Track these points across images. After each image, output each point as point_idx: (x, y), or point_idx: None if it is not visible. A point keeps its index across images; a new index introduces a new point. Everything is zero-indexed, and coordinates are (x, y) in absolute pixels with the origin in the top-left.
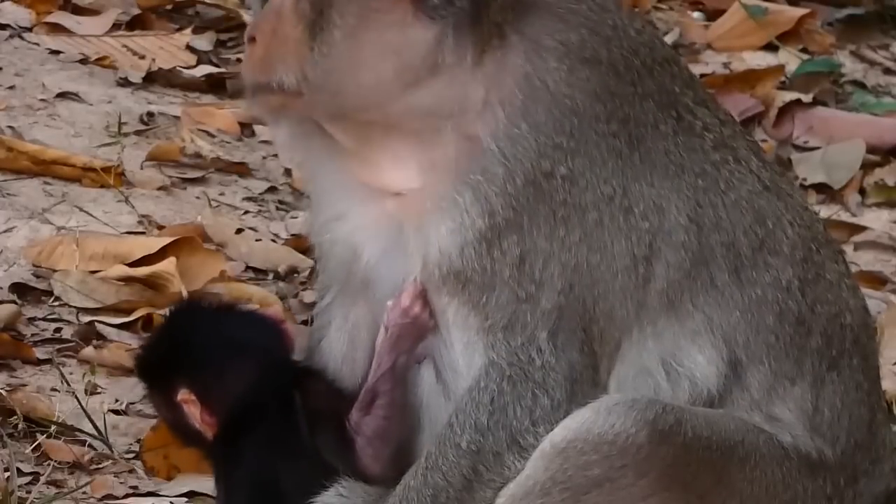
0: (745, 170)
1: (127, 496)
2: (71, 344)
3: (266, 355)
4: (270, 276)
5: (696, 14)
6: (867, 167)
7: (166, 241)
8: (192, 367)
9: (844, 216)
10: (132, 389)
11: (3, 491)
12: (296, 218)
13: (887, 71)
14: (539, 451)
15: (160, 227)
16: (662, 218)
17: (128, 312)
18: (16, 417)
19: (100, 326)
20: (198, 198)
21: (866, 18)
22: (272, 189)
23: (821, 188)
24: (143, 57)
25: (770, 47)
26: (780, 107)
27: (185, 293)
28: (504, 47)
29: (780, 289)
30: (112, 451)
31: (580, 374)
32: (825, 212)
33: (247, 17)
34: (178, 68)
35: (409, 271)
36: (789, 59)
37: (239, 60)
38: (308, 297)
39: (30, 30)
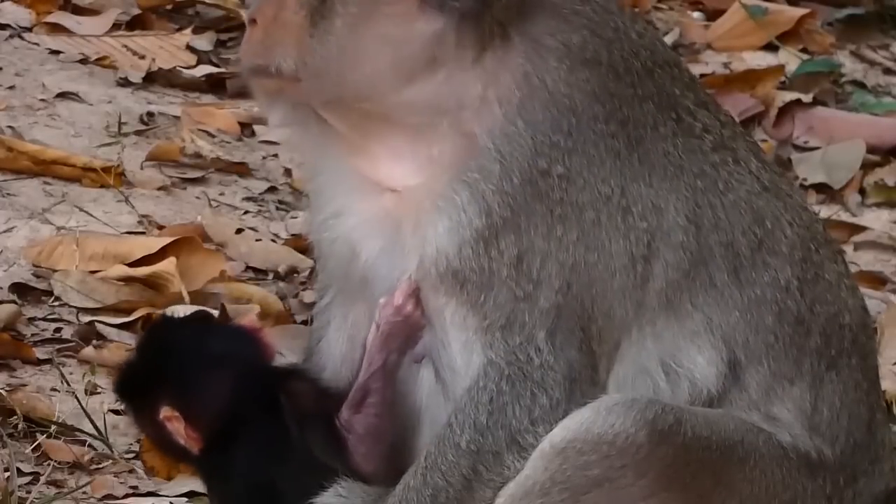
0: (744, 171)
1: (127, 496)
2: (71, 344)
3: (242, 365)
4: (270, 276)
5: (696, 14)
6: (867, 167)
7: (166, 241)
8: (170, 385)
9: (844, 216)
10: None
11: (3, 491)
12: (296, 218)
13: (887, 71)
14: (538, 451)
15: (160, 227)
16: (661, 218)
17: (128, 312)
18: (16, 417)
19: (100, 326)
20: (198, 198)
21: (866, 18)
22: (272, 189)
23: (821, 188)
24: (143, 57)
25: (770, 47)
26: (780, 107)
27: (185, 293)
28: (505, 45)
29: (779, 289)
30: (112, 451)
31: (579, 373)
32: (825, 212)
33: (247, 17)
34: (178, 68)
35: (404, 269)
36: (789, 59)
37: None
38: (308, 297)
39: (30, 30)
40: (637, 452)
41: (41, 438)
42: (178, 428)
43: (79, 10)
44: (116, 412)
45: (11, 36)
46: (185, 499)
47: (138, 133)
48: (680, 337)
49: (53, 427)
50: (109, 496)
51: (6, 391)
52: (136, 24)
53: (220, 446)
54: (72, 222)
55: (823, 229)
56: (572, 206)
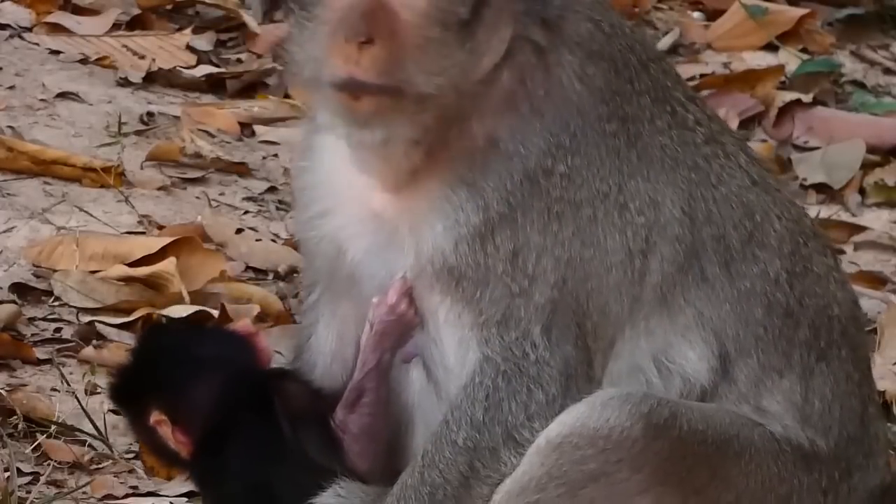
0: (734, 164)
1: (127, 496)
2: (71, 344)
3: (229, 369)
4: (270, 276)
5: (696, 14)
6: (867, 167)
7: (166, 241)
8: (160, 390)
9: (844, 216)
10: None
11: (3, 491)
12: None
13: (887, 71)
14: (534, 447)
15: (160, 227)
16: (658, 212)
17: (128, 312)
18: (16, 417)
19: (100, 326)
20: (198, 198)
21: (866, 18)
22: (272, 189)
23: (821, 188)
24: (143, 57)
25: (770, 47)
26: (780, 107)
27: (185, 293)
28: (531, 42)
29: (769, 281)
30: (112, 451)
31: (575, 368)
32: (825, 212)
33: (247, 17)
34: (178, 68)
35: (395, 268)
36: (789, 59)
37: (239, 60)
38: None
39: (30, 30)
40: (633, 447)
41: (41, 438)
42: (168, 432)
43: (79, 10)
44: (116, 412)
45: (11, 36)
46: (185, 499)
47: (138, 133)
48: (671, 333)
49: (53, 427)
50: (109, 496)
51: (6, 391)
52: (136, 24)
53: (213, 450)
54: (72, 222)
55: (812, 223)
56: (570, 203)
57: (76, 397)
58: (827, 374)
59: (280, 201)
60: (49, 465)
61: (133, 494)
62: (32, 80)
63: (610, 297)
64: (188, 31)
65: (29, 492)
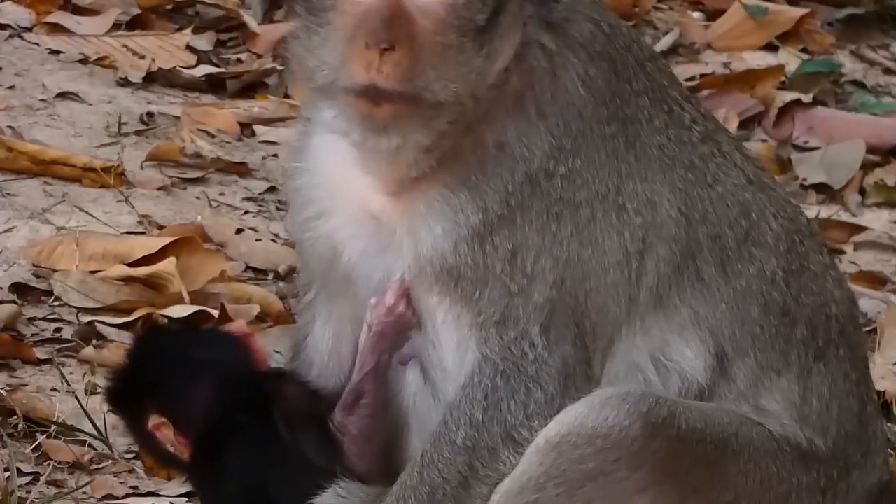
0: (729, 163)
1: (127, 496)
2: (71, 344)
3: (225, 371)
4: (270, 276)
5: (696, 14)
6: (867, 167)
7: (166, 241)
8: (157, 393)
9: (844, 216)
10: None
11: (3, 491)
12: None
13: (887, 71)
14: (533, 446)
15: (160, 227)
16: (655, 212)
17: (128, 312)
18: (16, 417)
19: (100, 326)
20: (198, 198)
21: (866, 18)
22: (272, 189)
23: (821, 188)
24: (143, 57)
25: (770, 47)
26: (780, 107)
27: (185, 293)
28: (538, 45)
29: (765, 280)
30: (112, 451)
31: (573, 368)
32: (825, 212)
33: (247, 17)
34: (178, 68)
35: (391, 269)
36: (789, 59)
37: (239, 60)
38: None
39: (30, 30)
40: (631, 445)
41: (41, 438)
42: (167, 435)
43: (79, 10)
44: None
45: (11, 36)
46: (185, 499)
47: (138, 133)
48: (668, 331)
49: (53, 427)
50: (109, 496)
51: (6, 391)
52: (136, 24)
53: (211, 452)
54: (72, 222)
55: (807, 222)
56: (569, 203)
57: (76, 397)
58: (825, 374)
59: (280, 201)
60: (49, 465)
61: (133, 494)
62: (32, 80)
63: (608, 296)
64: (188, 31)
65: (29, 492)
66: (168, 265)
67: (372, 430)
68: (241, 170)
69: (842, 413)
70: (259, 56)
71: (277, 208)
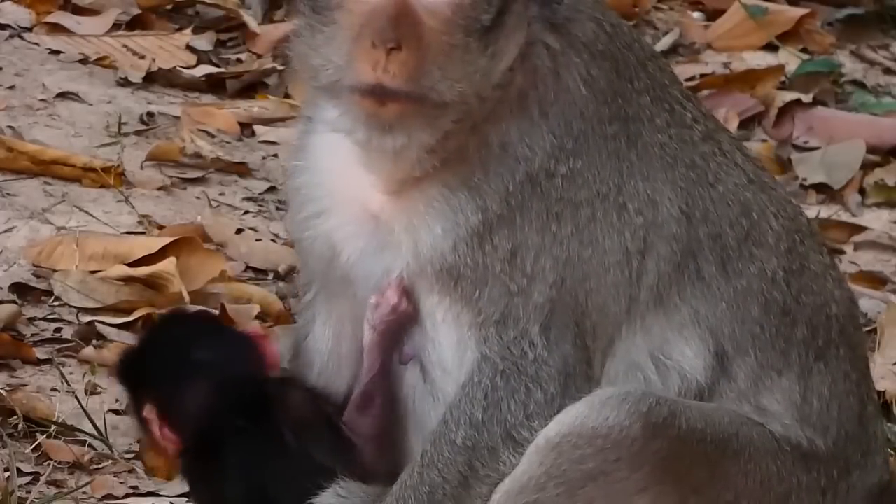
0: (730, 163)
1: (127, 496)
2: (71, 344)
3: (226, 375)
4: (270, 276)
5: (696, 14)
6: (867, 167)
7: (166, 241)
8: (154, 385)
9: (844, 216)
10: None
11: (3, 491)
12: None
13: (887, 71)
14: (533, 446)
15: (160, 227)
16: (656, 211)
17: (128, 312)
18: (16, 417)
19: (100, 326)
20: (198, 198)
21: (866, 18)
22: (272, 189)
23: (821, 188)
24: (143, 57)
25: (770, 47)
26: (780, 107)
27: (185, 293)
28: (542, 44)
29: (766, 280)
30: (112, 451)
31: (573, 367)
32: (825, 212)
33: (247, 17)
34: (178, 68)
35: (391, 268)
36: (789, 59)
37: (239, 60)
38: None
39: (30, 30)
40: (631, 445)
41: (41, 438)
42: (156, 428)
43: (79, 10)
44: (116, 412)
45: (11, 36)
46: (185, 499)
47: (138, 133)
48: (668, 330)
49: (53, 427)
50: (109, 496)
51: (6, 391)
52: (136, 24)
53: (205, 453)
54: (72, 222)
55: (807, 221)
56: (569, 203)
57: (76, 397)
58: (825, 374)
59: (280, 201)
60: (49, 465)
61: (133, 494)
62: (32, 80)
63: (608, 296)
64: (188, 31)
65: (29, 492)
66: (168, 265)
67: (387, 429)
68: (241, 170)
69: (842, 413)
70: (259, 56)
71: (277, 208)
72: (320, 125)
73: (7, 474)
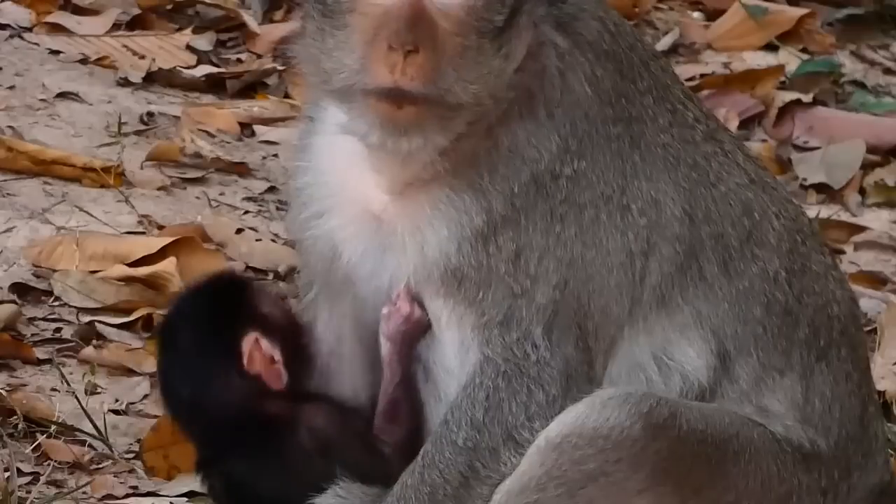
0: (732, 163)
1: (127, 496)
2: (71, 344)
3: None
4: (270, 276)
5: (696, 14)
6: (867, 167)
7: (166, 241)
8: (257, 308)
9: (844, 216)
10: (132, 389)
11: (3, 491)
12: None
13: (887, 71)
14: (534, 447)
15: (160, 227)
16: (659, 212)
17: (128, 312)
18: (16, 417)
19: (100, 326)
20: (198, 198)
21: (866, 18)
22: (272, 189)
23: (821, 188)
24: (143, 57)
25: (770, 47)
26: (780, 107)
27: None
28: (549, 44)
29: (768, 280)
30: (112, 451)
31: (575, 369)
32: (825, 212)
33: (247, 17)
34: (178, 68)
35: (393, 270)
36: (789, 59)
37: (239, 60)
38: None
39: (30, 30)
40: (632, 446)
41: (41, 438)
42: (260, 356)
43: (79, 10)
44: (116, 412)
45: (11, 36)
46: (185, 499)
47: (138, 133)
48: (671, 330)
49: (53, 427)
50: (109, 496)
51: (6, 391)
52: (136, 24)
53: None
54: (72, 222)
55: (808, 221)
56: (573, 204)
57: (76, 397)
58: (827, 374)
59: (280, 201)
60: (49, 465)
61: (133, 494)
62: (32, 80)
63: (611, 298)
64: (188, 31)
65: (29, 492)
66: (168, 265)
67: (417, 435)
68: (241, 170)
69: (844, 413)
70: (259, 56)
71: (277, 208)
72: (322, 126)
73: (7, 474)
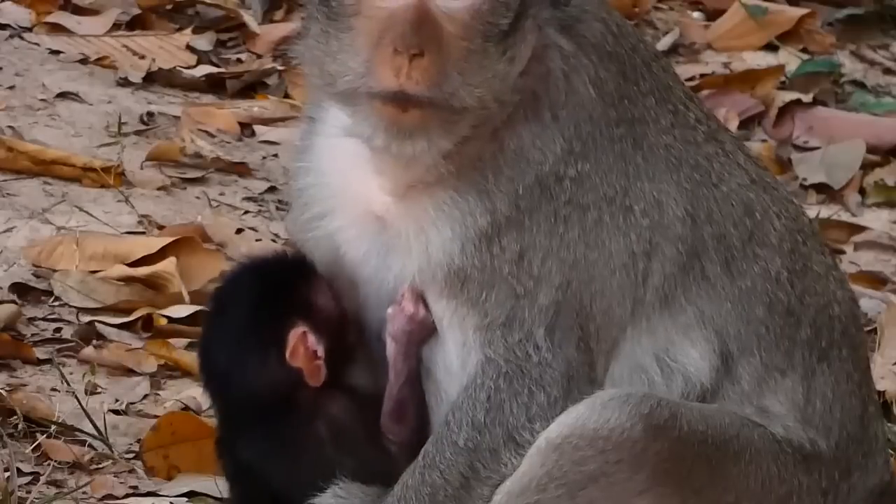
0: (733, 163)
1: (127, 496)
2: (71, 344)
3: None
4: None
5: (696, 14)
6: (867, 167)
7: (166, 241)
8: (304, 299)
9: (844, 216)
10: (132, 389)
11: (3, 491)
12: None
13: (887, 71)
14: (535, 448)
15: (160, 227)
16: (661, 213)
17: (128, 312)
18: (16, 417)
19: (100, 326)
20: (198, 198)
21: (866, 18)
22: (272, 189)
23: (821, 188)
24: (143, 57)
25: (770, 47)
26: (780, 107)
27: (185, 293)
28: (553, 46)
29: (770, 280)
30: (112, 451)
31: (577, 370)
32: (825, 212)
33: (247, 17)
34: (178, 68)
35: (395, 271)
36: (789, 59)
37: (239, 60)
38: None
39: (30, 30)
40: (633, 447)
41: (41, 438)
42: (304, 351)
43: (79, 10)
44: (116, 412)
45: (11, 36)
46: (185, 499)
47: (138, 133)
48: (673, 331)
49: (53, 427)
50: (109, 496)
51: (6, 391)
52: (136, 24)
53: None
54: (72, 222)
55: (809, 221)
56: (576, 206)
57: (76, 397)
58: (828, 374)
59: (280, 201)
60: (49, 465)
61: (133, 494)
62: (32, 80)
63: (613, 299)
64: (188, 31)
65: (29, 492)
66: (168, 265)
67: (416, 432)
68: (241, 170)
69: (844, 414)
70: (259, 56)
71: (277, 208)
72: (324, 127)
73: (7, 474)
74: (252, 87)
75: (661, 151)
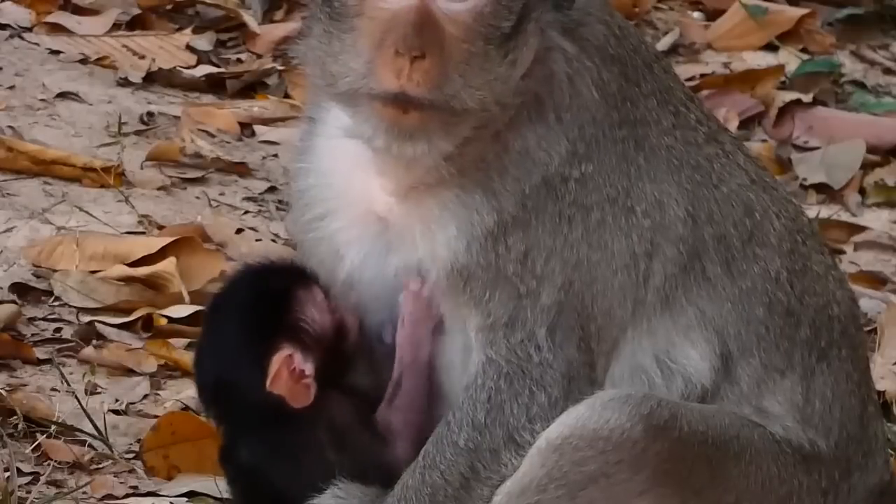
0: (733, 164)
1: (127, 496)
2: (71, 344)
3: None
4: None
5: (696, 14)
6: (867, 167)
7: (166, 241)
8: (291, 320)
9: (844, 216)
10: (132, 389)
11: (3, 491)
12: None
13: (887, 71)
14: (535, 448)
15: (160, 227)
16: (663, 213)
17: (128, 312)
18: (16, 417)
19: (100, 326)
20: (198, 198)
21: (866, 18)
22: (272, 189)
23: (821, 188)
24: (143, 57)
25: (770, 47)
26: (780, 107)
27: (185, 293)
28: (556, 47)
29: (770, 280)
30: (112, 451)
31: (577, 371)
32: (825, 212)
33: (247, 17)
34: (178, 68)
35: (396, 272)
36: (789, 59)
37: (239, 60)
38: None
39: (30, 30)
40: (633, 447)
41: (41, 438)
42: (288, 372)
43: (79, 10)
44: (116, 412)
45: (11, 36)
46: (185, 499)
47: (138, 133)
48: (674, 332)
49: (53, 427)
50: (109, 496)
51: (6, 391)
52: (136, 24)
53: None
54: (72, 222)
55: (808, 221)
56: (581, 207)
57: (76, 397)
58: (828, 375)
59: (280, 201)
60: (49, 465)
61: (133, 494)
62: (32, 80)
63: (614, 299)
64: (188, 31)
65: (29, 492)
66: (168, 265)
67: (414, 424)
68: (241, 170)
69: (844, 414)
70: (259, 56)
71: (277, 208)
72: (324, 127)
73: (7, 474)
74: (252, 87)
75: (663, 152)
